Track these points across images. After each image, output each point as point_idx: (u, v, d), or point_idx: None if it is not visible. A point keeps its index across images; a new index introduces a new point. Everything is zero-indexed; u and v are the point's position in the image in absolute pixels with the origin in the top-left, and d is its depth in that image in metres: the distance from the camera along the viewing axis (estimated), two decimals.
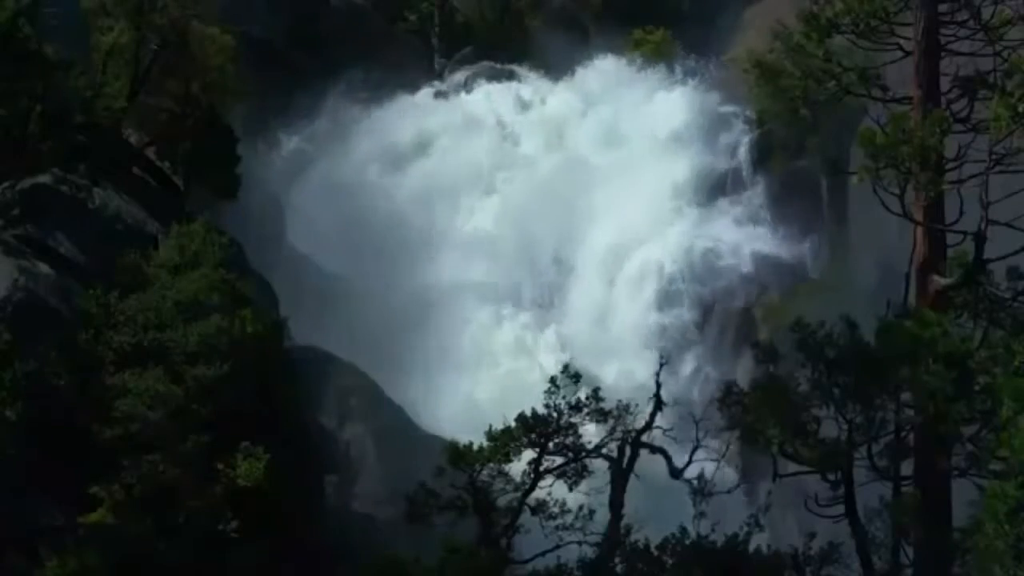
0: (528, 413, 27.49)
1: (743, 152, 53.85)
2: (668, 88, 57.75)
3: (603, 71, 59.41)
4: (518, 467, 27.59)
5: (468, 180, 54.96)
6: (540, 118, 58.28)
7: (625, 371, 44.39)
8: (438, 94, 59.52)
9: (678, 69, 58.61)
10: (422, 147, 55.91)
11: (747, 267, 50.74)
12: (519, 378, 45.70)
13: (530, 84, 59.87)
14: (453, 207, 53.93)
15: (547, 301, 52.78)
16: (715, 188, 53.83)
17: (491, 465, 27.24)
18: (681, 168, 53.95)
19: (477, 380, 47.77)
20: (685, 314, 50.42)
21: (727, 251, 51.46)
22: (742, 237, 51.84)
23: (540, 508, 27.45)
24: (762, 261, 50.72)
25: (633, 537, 27.00)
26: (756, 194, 52.90)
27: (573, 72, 59.57)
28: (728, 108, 55.30)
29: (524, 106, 59.00)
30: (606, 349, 48.31)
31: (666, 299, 51.05)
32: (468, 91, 59.96)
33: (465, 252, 51.86)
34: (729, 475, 29.20)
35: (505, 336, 51.22)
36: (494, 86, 59.81)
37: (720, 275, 51.01)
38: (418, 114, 57.34)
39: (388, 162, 54.61)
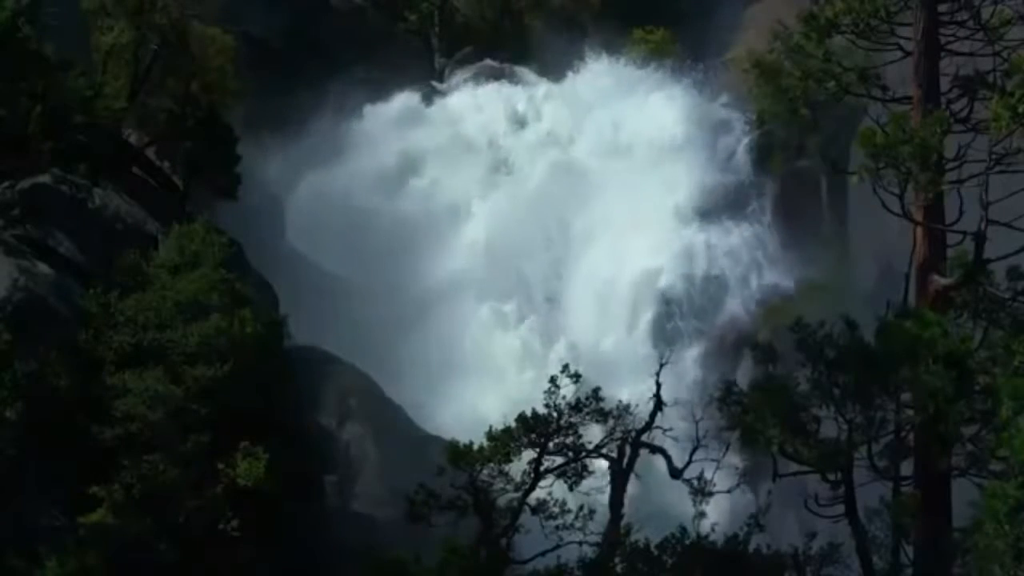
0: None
1: (744, 161, 52.47)
2: (668, 95, 55.90)
3: (600, 74, 58.27)
4: (518, 467, 27.58)
5: (458, 208, 53.24)
6: (535, 136, 56.17)
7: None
8: (426, 95, 58.35)
9: (677, 73, 57.51)
10: (413, 167, 54.38)
11: (753, 304, 48.95)
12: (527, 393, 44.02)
13: (527, 89, 58.34)
14: (445, 232, 52.21)
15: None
16: (719, 203, 51.89)
17: (491, 465, 27.23)
18: (682, 184, 52.08)
19: (482, 389, 46.53)
20: (687, 355, 47.49)
21: (734, 282, 49.72)
22: (749, 261, 50.21)
23: (540, 508, 27.45)
24: (771, 291, 49.13)
25: (633, 537, 27.04)
26: (762, 209, 51.42)
27: (572, 73, 58.64)
28: (728, 114, 54.18)
29: (519, 121, 56.96)
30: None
31: (663, 336, 48.57)
32: (460, 92, 58.01)
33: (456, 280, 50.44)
34: (730, 475, 29.13)
35: (511, 341, 49.87)
36: (486, 90, 58.02)
37: (724, 309, 49.31)
38: (410, 129, 55.64)
39: (378, 181, 52.94)
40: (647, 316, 49.64)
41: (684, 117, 54.44)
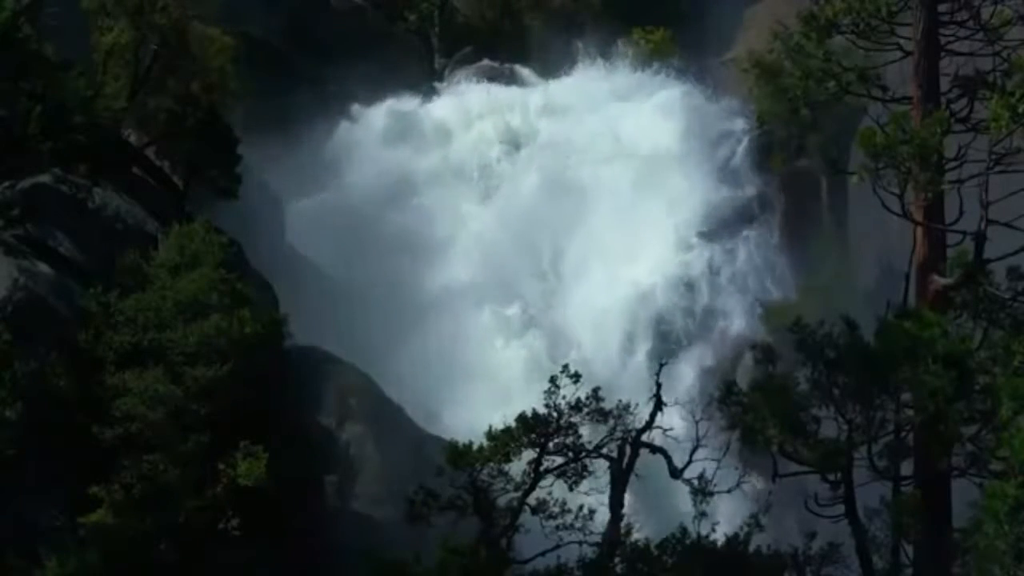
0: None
1: (744, 164, 51.43)
2: (667, 99, 54.68)
3: (597, 78, 57.56)
4: (518, 467, 27.58)
5: (452, 231, 51.86)
6: (529, 156, 54.35)
7: None
8: (426, 96, 57.68)
9: (679, 74, 56.45)
10: (407, 185, 52.95)
11: (756, 322, 47.56)
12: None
13: (524, 93, 57.65)
14: (442, 243, 51.15)
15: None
16: (722, 219, 50.52)
17: (491, 465, 27.23)
18: (683, 201, 50.65)
19: (486, 398, 44.63)
20: (686, 362, 46.54)
21: (737, 310, 48.57)
22: (757, 288, 48.84)
23: (540, 508, 27.45)
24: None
25: (633, 537, 27.04)
26: (768, 227, 50.26)
27: (569, 77, 58.34)
28: (729, 117, 53.37)
29: (513, 142, 55.12)
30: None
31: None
32: (452, 96, 57.03)
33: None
34: (729, 475, 29.10)
35: (514, 352, 48.46)
36: (479, 97, 56.92)
37: (727, 339, 47.90)
38: (402, 140, 54.47)
39: (374, 190, 51.54)
40: (644, 348, 48.11)
41: (684, 124, 53.24)
